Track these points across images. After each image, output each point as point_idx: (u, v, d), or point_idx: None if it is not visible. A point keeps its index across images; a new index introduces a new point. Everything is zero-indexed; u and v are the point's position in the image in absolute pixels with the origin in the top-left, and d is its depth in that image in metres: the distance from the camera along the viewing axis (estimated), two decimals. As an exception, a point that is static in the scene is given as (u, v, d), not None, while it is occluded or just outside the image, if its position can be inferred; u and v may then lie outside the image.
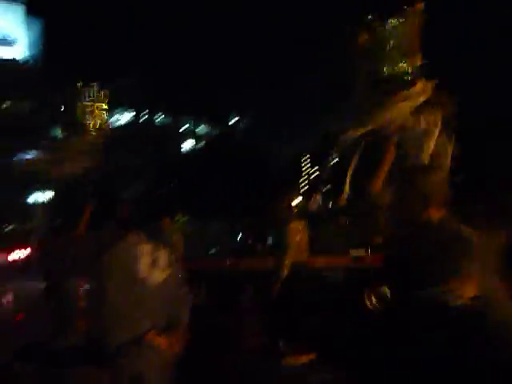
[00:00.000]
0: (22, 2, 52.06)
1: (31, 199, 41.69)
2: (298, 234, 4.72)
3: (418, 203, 1.71)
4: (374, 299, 1.95)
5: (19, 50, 53.58)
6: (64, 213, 4.82)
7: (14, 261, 15.99)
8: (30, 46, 51.16)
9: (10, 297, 8.79)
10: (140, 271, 2.55)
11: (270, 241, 9.45)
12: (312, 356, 4.44)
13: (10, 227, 30.40)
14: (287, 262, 4.58)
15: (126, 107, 50.90)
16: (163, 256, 2.68)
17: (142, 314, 2.47)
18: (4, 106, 43.12)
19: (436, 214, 1.73)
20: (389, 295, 1.91)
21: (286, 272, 4.58)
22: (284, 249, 4.62)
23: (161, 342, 2.46)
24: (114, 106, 49.97)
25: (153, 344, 2.44)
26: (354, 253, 6.16)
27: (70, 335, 3.49)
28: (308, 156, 41.15)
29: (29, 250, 10.80)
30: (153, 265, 2.60)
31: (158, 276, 2.61)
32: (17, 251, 16.21)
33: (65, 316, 3.81)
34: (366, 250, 5.93)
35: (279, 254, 4.66)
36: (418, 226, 1.77)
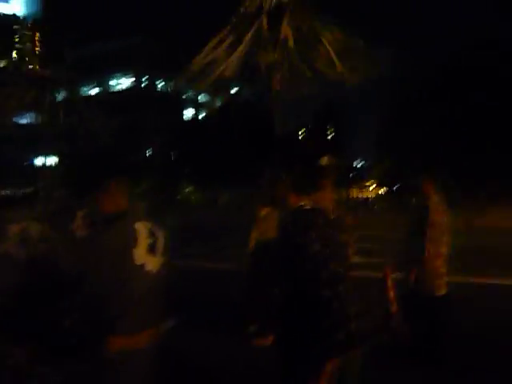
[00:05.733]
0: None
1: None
2: (265, 209, 4.37)
3: None
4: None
5: (17, 7, 52.50)
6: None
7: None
8: (27, 3, 49.99)
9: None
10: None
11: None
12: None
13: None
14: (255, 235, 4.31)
15: (128, 72, 49.92)
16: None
17: None
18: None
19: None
20: None
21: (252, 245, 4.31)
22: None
23: None
24: (115, 70, 48.93)
25: None
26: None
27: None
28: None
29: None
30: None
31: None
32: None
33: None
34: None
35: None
36: None
